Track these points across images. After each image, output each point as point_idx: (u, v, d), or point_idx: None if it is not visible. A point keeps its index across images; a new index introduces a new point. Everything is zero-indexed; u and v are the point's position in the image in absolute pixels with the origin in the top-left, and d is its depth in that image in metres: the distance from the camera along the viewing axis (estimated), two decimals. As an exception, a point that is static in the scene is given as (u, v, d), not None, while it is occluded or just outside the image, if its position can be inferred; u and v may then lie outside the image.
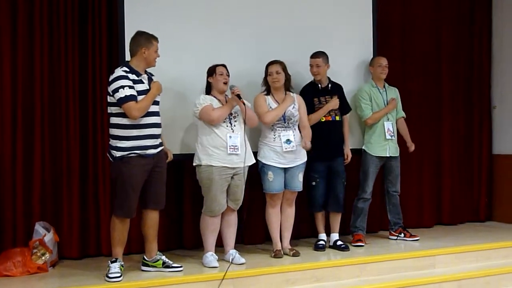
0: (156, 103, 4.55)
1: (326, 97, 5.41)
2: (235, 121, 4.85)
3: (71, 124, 5.11)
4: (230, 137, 4.76)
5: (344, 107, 5.55)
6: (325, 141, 5.33)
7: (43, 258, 4.66)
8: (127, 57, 4.90)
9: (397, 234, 5.86)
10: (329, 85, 5.47)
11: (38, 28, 5.03)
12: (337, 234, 5.49)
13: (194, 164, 4.83)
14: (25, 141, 4.99)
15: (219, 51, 5.21)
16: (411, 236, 5.81)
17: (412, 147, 5.98)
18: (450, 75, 6.82)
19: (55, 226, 4.93)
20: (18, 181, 4.94)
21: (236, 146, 4.76)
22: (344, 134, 5.57)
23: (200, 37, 5.24)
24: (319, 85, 5.45)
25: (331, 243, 5.45)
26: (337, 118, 5.44)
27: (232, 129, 4.80)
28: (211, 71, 4.90)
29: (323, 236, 5.49)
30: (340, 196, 5.44)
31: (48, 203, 5.06)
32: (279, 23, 5.58)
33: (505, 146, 6.97)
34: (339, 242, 5.42)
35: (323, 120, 5.37)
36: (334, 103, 5.39)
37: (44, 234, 4.72)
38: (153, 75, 4.65)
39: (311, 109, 5.35)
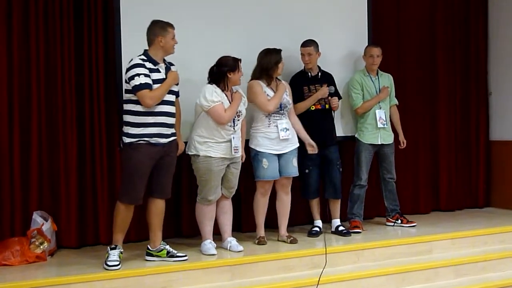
0: (172, 92, 4.54)
1: (316, 85, 5.40)
2: (238, 120, 4.82)
3: (68, 113, 5.11)
4: (234, 138, 4.75)
5: (335, 96, 5.51)
6: (315, 129, 5.32)
7: (41, 247, 4.68)
8: (123, 46, 4.93)
9: (394, 221, 5.88)
10: (319, 74, 5.46)
11: (33, 21, 5.01)
12: (339, 220, 5.53)
13: (190, 153, 4.79)
14: (22, 130, 4.99)
15: (210, 40, 5.19)
16: (408, 222, 5.82)
17: (403, 143, 5.94)
18: (446, 62, 6.78)
19: (53, 215, 4.95)
20: (16, 170, 4.94)
21: (237, 147, 4.76)
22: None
23: (192, 27, 5.19)
24: (309, 74, 5.44)
25: (333, 229, 5.50)
26: (327, 106, 5.42)
27: (234, 128, 4.78)
28: (234, 66, 4.75)
29: (318, 222, 5.52)
30: (337, 183, 5.46)
31: (45, 192, 5.08)
32: (271, 11, 5.55)
33: (502, 132, 6.96)
34: (341, 228, 5.45)
35: (312, 109, 5.38)
36: (323, 92, 5.37)
37: (42, 223, 4.74)
38: (172, 65, 4.62)
39: (300, 98, 5.36)
